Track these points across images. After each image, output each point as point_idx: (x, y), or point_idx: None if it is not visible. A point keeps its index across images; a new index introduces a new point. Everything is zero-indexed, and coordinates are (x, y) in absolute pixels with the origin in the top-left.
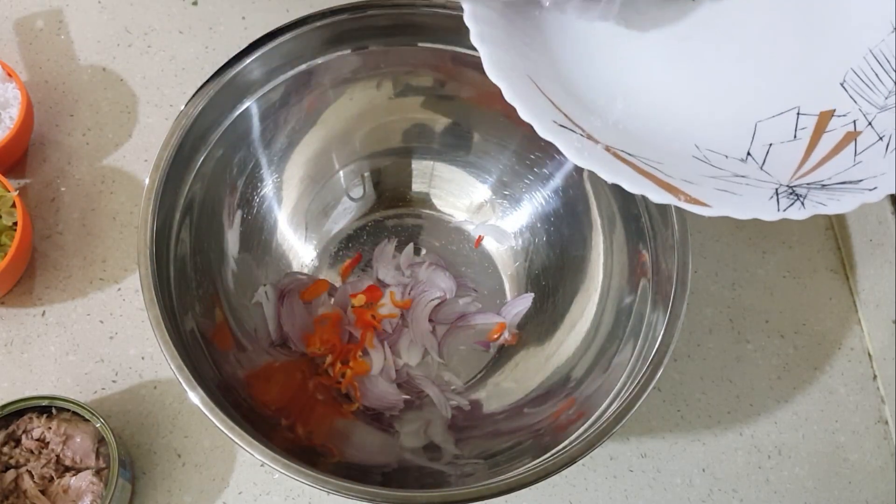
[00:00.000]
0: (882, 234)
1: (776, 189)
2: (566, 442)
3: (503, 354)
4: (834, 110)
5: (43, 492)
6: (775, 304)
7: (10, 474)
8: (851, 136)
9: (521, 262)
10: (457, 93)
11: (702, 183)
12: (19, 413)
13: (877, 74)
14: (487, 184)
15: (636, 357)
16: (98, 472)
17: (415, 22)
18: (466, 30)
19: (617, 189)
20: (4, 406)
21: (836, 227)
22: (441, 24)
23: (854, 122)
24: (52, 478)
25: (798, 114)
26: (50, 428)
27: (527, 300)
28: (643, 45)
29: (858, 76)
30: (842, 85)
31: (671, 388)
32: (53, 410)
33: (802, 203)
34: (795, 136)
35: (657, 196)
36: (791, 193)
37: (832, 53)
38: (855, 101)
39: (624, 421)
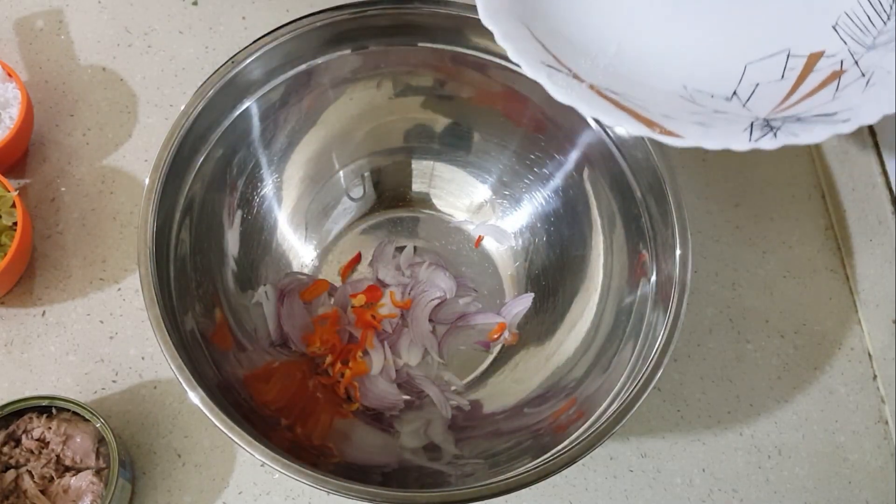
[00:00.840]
0: (882, 234)
1: (752, 122)
2: (566, 442)
3: (503, 354)
4: (823, 51)
5: (43, 492)
6: (775, 304)
7: (10, 474)
8: (836, 75)
9: (521, 262)
10: (457, 93)
11: (681, 118)
12: (19, 413)
13: (869, 17)
14: (487, 184)
15: (636, 357)
16: (98, 472)
17: (415, 22)
18: (466, 29)
19: (617, 189)
20: (4, 406)
21: (836, 227)
22: (441, 24)
23: (841, 61)
24: (52, 478)
25: (788, 55)
26: (50, 428)
27: (527, 300)
28: None
29: (851, 19)
30: (834, 27)
31: (671, 388)
32: (53, 410)
33: (775, 134)
34: (783, 77)
35: (634, 128)
36: (766, 125)
37: None
38: (845, 43)
39: (624, 421)
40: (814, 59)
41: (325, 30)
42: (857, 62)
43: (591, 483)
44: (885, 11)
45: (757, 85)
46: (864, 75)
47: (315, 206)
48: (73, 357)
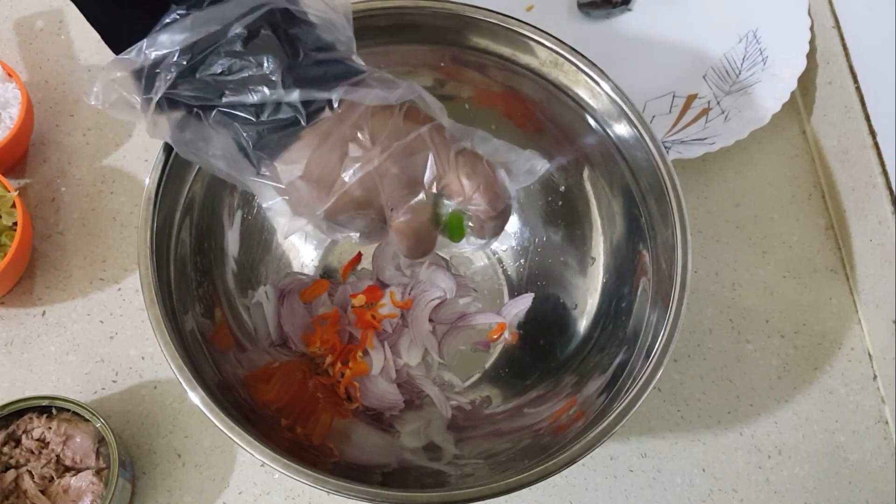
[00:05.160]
0: (882, 234)
1: None
2: (566, 442)
3: (503, 354)
4: (696, 94)
5: (43, 492)
6: (775, 304)
7: (11, 474)
8: (705, 111)
9: (522, 262)
10: (457, 93)
11: None
12: (19, 413)
13: (726, 71)
14: None
15: (636, 357)
16: (98, 472)
17: (415, 22)
18: (466, 29)
19: (617, 189)
20: (4, 406)
21: (836, 227)
22: (441, 24)
23: (708, 102)
24: (53, 478)
25: (673, 96)
26: (50, 428)
27: (527, 300)
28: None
29: (715, 72)
30: (703, 77)
31: (671, 388)
32: (53, 410)
33: (668, 150)
34: (670, 111)
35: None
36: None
37: (699, 56)
38: (710, 88)
39: (624, 421)
40: (690, 99)
41: None
42: (718, 103)
43: (591, 483)
44: (737, 68)
45: (654, 116)
46: (723, 112)
47: None
48: (73, 357)
